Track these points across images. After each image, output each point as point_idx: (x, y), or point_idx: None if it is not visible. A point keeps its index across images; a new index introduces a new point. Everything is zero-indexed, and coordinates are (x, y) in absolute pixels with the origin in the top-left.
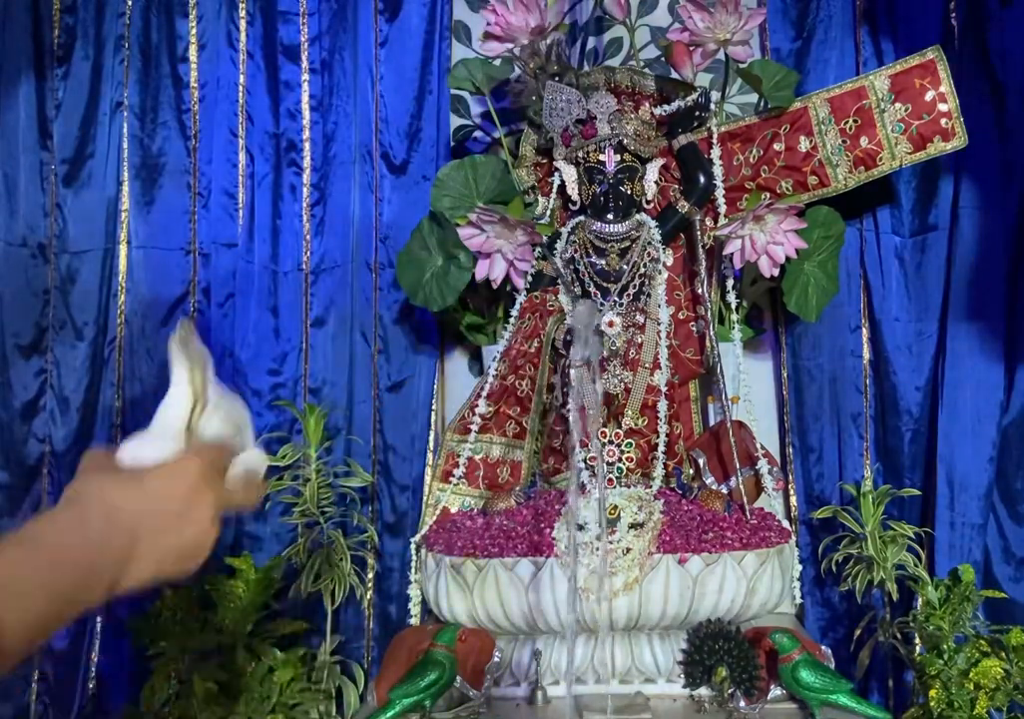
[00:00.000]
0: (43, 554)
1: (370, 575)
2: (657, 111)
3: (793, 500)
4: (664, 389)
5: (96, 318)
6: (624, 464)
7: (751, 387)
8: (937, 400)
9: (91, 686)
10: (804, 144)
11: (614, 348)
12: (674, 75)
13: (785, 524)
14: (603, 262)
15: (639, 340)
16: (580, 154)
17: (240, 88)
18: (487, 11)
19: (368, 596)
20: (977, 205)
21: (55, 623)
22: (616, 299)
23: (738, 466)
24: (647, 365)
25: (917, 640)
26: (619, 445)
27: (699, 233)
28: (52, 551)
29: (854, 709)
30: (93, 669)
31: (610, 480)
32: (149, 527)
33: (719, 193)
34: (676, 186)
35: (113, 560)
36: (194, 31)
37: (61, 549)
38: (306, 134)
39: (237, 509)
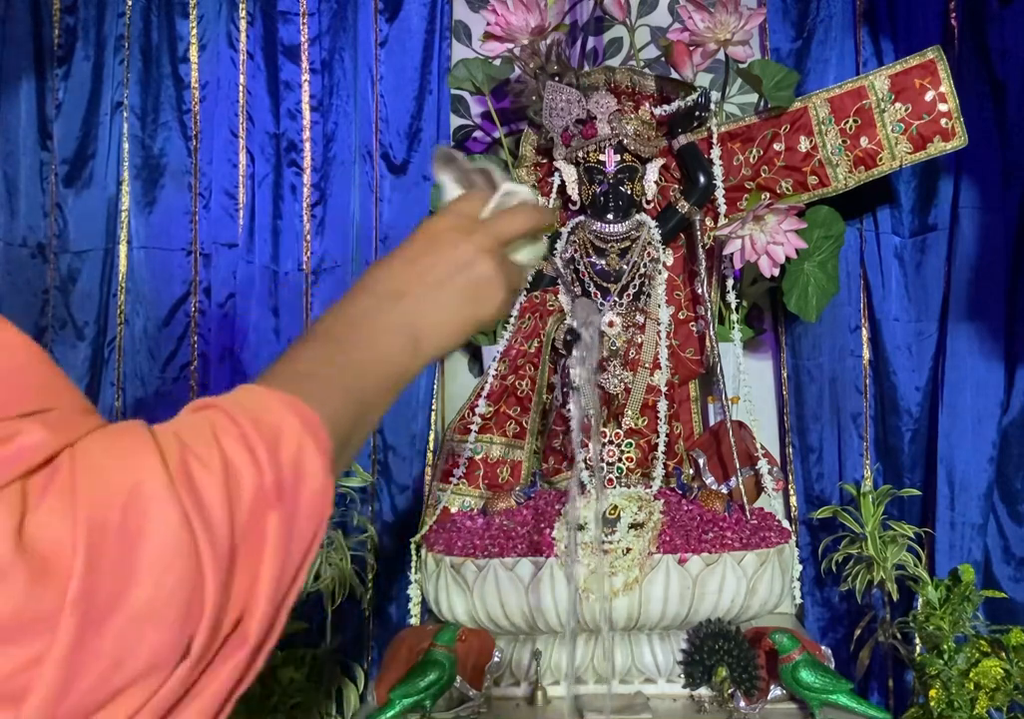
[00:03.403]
0: (336, 348)
1: (370, 575)
2: (657, 111)
3: (793, 500)
4: (664, 389)
5: (96, 318)
6: (624, 464)
7: (751, 387)
8: (937, 400)
9: None
10: (804, 144)
11: (614, 348)
12: (674, 75)
13: (785, 524)
14: (603, 262)
15: (639, 340)
16: (580, 154)
17: (240, 88)
18: (487, 11)
19: (368, 596)
20: (977, 205)
21: (364, 419)
22: (616, 299)
23: (738, 466)
24: (647, 365)
25: (917, 640)
26: (619, 445)
27: (699, 233)
28: (345, 345)
29: (854, 709)
30: None
31: (610, 480)
32: (423, 289)
33: (719, 193)
34: (676, 186)
35: (402, 336)
36: (194, 31)
37: (352, 342)
38: (306, 134)
39: (530, 232)
